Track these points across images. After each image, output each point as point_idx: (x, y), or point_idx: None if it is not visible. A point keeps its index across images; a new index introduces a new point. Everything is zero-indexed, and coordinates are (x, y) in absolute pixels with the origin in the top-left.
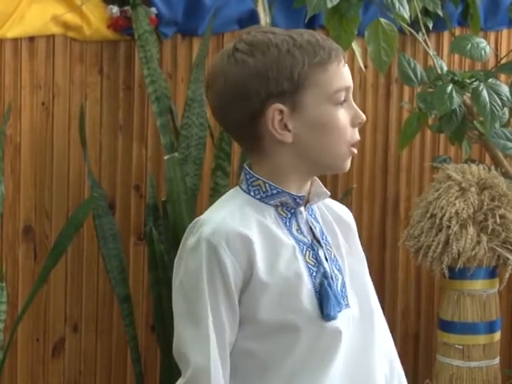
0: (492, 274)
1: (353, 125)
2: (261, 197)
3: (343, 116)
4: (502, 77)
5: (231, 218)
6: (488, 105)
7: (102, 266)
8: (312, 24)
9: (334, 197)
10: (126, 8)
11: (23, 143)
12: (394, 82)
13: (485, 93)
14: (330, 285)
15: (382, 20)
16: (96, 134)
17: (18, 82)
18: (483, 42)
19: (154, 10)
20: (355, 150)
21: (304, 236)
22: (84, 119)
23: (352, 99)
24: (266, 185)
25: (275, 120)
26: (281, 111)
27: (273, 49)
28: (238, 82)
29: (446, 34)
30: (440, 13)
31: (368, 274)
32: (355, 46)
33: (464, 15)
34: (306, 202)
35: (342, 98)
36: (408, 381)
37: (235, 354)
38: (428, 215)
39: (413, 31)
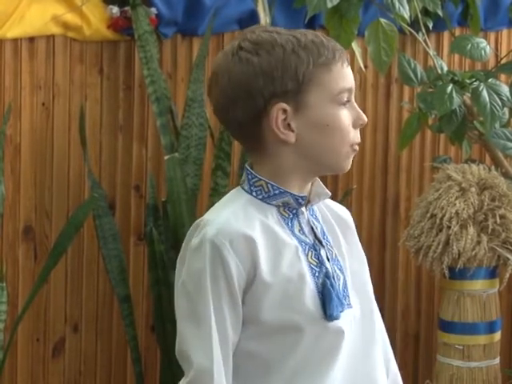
0: (492, 274)
1: (354, 126)
2: (263, 197)
3: (346, 117)
4: (502, 77)
5: (235, 218)
6: (488, 105)
7: (102, 266)
8: (312, 24)
9: (334, 197)
10: (126, 8)
11: (23, 143)
12: (394, 82)
13: (485, 93)
14: (332, 285)
15: (382, 20)
16: (96, 134)
17: (18, 82)
18: (483, 42)
19: (153, 10)
20: (357, 148)
21: (306, 236)
22: (84, 119)
23: (354, 100)
24: (269, 185)
25: (279, 119)
26: (284, 111)
27: (278, 48)
28: (242, 81)
29: (446, 34)
30: (440, 13)
31: (368, 273)
32: (355, 46)
33: (464, 15)
34: (307, 202)
35: (345, 99)
36: (408, 381)
37: (238, 355)
38: (428, 215)
39: (413, 31)
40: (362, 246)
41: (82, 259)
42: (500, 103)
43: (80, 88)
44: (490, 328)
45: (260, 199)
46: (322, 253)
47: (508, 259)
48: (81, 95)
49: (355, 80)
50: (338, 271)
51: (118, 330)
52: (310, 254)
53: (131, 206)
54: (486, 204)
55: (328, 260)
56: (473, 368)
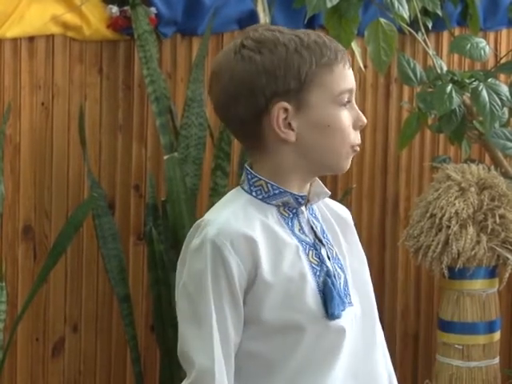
0: (492, 273)
1: (354, 127)
2: (263, 197)
3: (346, 118)
4: (502, 77)
5: (235, 218)
6: (487, 105)
7: (101, 266)
8: (312, 24)
9: (333, 197)
10: (126, 8)
11: (23, 143)
12: (393, 81)
13: (484, 93)
14: (333, 284)
15: (382, 20)
16: (95, 134)
17: (17, 82)
18: (483, 42)
19: (153, 9)
20: (357, 149)
21: (306, 235)
22: (83, 119)
23: (354, 102)
24: (268, 185)
25: (279, 118)
26: (285, 110)
27: (280, 47)
28: (244, 79)
29: (445, 34)
30: (439, 13)
31: (368, 272)
32: (355, 45)
33: (463, 15)
34: (307, 201)
35: (346, 100)
36: (407, 381)
37: (239, 355)
38: (428, 215)
39: (412, 31)
40: (362, 245)
41: (82, 259)
42: (499, 103)
43: (79, 88)
44: (490, 328)
45: (260, 199)
46: (323, 252)
47: (507, 259)
48: (80, 95)
49: (355, 80)
50: (338, 270)
51: (118, 330)
52: (310, 253)
53: (131, 206)
54: (485, 204)
55: (329, 259)
56: (472, 368)
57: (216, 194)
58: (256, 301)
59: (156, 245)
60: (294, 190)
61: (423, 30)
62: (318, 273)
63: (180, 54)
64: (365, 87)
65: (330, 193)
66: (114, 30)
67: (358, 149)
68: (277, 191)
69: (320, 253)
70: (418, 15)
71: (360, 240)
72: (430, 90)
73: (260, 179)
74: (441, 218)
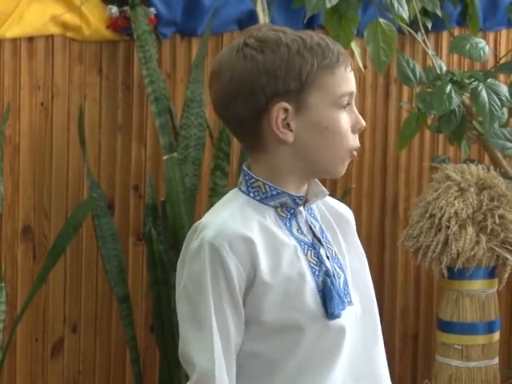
0: (491, 274)
1: (353, 130)
2: (260, 198)
3: (345, 121)
4: (501, 77)
5: (232, 220)
6: (487, 105)
7: (101, 266)
8: (311, 24)
9: (333, 197)
10: (125, 8)
11: (22, 143)
12: (393, 82)
13: (484, 93)
14: (332, 283)
15: (381, 20)
16: (95, 134)
17: (17, 82)
18: (482, 42)
19: (153, 10)
20: (355, 154)
21: (304, 235)
22: (83, 119)
23: (354, 105)
24: (266, 186)
25: (279, 118)
26: (285, 110)
27: (283, 47)
28: (245, 78)
29: (444, 34)
30: (439, 13)
31: (368, 270)
32: (354, 46)
33: (463, 15)
34: (305, 201)
35: (346, 102)
36: (407, 381)
37: (240, 355)
38: (427, 215)
39: (412, 31)
40: (361, 245)
41: (81, 259)
42: (499, 103)
43: (79, 88)
44: (489, 328)
45: (257, 200)
46: (322, 251)
47: (507, 259)
48: (80, 95)
49: (354, 80)
50: (338, 269)
51: (117, 330)
52: (309, 253)
53: (130, 206)
54: (484, 204)
55: (328, 258)
56: (472, 368)
57: (215, 194)
58: (255, 302)
59: (155, 245)
60: (291, 191)
61: (423, 31)
62: (317, 272)
63: (179, 54)
64: (364, 87)
65: (328, 192)
66: (114, 30)
67: (355, 153)
68: (274, 192)
69: (319, 252)
70: (418, 15)
71: (359, 240)
72: (430, 90)
73: (257, 180)
74: (440, 218)
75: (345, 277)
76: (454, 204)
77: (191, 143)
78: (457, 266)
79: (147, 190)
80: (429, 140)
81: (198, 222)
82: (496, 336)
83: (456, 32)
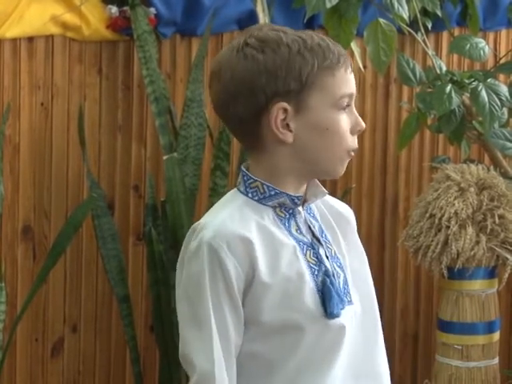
0: (491, 274)
1: (352, 132)
2: (259, 198)
3: (345, 122)
4: (501, 77)
5: (231, 220)
6: (487, 105)
7: (101, 266)
8: (311, 24)
9: (332, 196)
10: (125, 8)
11: (22, 143)
12: (392, 82)
13: (484, 93)
14: (332, 283)
15: (381, 20)
16: (95, 134)
17: (16, 82)
18: (482, 42)
19: (152, 10)
20: (352, 154)
21: (303, 235)
22: (83, 119)
23: (353, 106)
24: (264, 186)
25: (278, 118)
26: (285, 110)
27: (283, 48)
28: (245, 78)
29: (444, 34)
30: (439, 13)
31: (369, 270)
32: (354, 46)
33: (463, 15)
34: (304, 201)
35: (345, 104)
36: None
37: (240, 356)
38: (427, 215)
39: (412, 31)
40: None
41: (81, 259)
42: (499, 103)
43: (79, 88)
44: (489, 328)
45: (256, 200)
46: (321, 251)
47: (507, 259)
48: (80, 95)
49: (354, 80)
50: (337, 269)
51: (117, 330)
52: (308, 253)
53: (130, 206)
54: (484, 204)
55: (327, 258)
56: (471, 368)
57: (215, 194)
58: (255, 302)
59: (155, 245)
60: (289, 191)
61: (423, 31)
62: (316, 272)
63: (179, 54)
64: (364, 87)
65: (327, 192)
66: (114, 30)
67: (353, 154)
68: (272, 192)
69: (318, 252)
70: (418, 15)
71: (359, 239)
72: (430, 90)
73: (256, 180)
74: (440, 218)
75: (345, 276)
76: (453, 204)
77: (191, 143)
78: (457, 266)
79: (147, 190)
80: (429, 140)
81: (197, 222)
82: (496, 336)
83: (456, 32)
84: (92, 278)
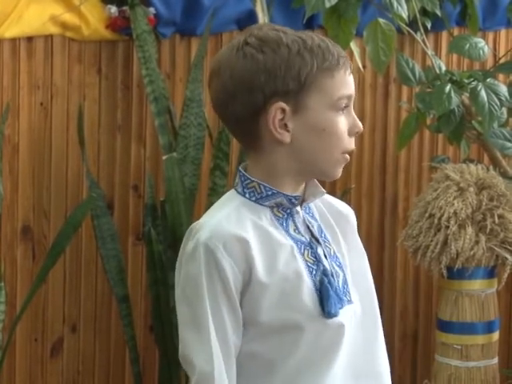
0: (490, 273)
1: (350, 134)
2: (256, 198)
3: (343, 123)
4: (501, 77)
5: (227, 221)
6: (486, 105)
7: (100, 266)
8: (310, 24)
9: (332, 196)
10: (125, 8)
11: (21, 143)
12: (392, 81)
13: (483, 93)
14: (330, 282)
15: (381, 20)
16: (94, 134)
17: (16, 82)
18: (481, 42)
19: (152, 9)
20: (348, 157)
21: (302, 235)
22: (82, 119)
23: (352, 108)
24: (261, 186)
25: (276, 118)
26: (283, 110)
27: (283, 48)
28: (244, 77)
29: (444, 34)
30: (438, 13)
31: (369, 269)
32: (353, 45)
33: (462, 15)
34: (303, 201)
35: (344, 105)
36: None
37: (240, 356)
38: (426, 215)
39: (411, 31)
40: None
41: (81, 259)
42: (498, 103)
43: (78, 88)
44: (489, 328)
45: (253, 201)
46: (319, 251)
47: (506, 259)
48: (79, 95)
49: (354, 80)
50: (336, 268)
51: (117, 330)
52: (306, 252)
53: (129, 206)
54: (484, 204)
55: (326, 257)
56: (471, 368)
57: (215, 194)
58: (253, 302)
59: (155, 245)
60: (287, 191)
61: (422, 30)
62: (314, 272)
63: (179, 54)
64: (363, 87)
65: (325, 192)
66: (113, 30)
67: (348, 157)
68: (269, 192)
69: (316, 252)
70: (417, 15)
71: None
72: (429, 90)
73: (253, 181)
74: (439, 218)
75: (344, 276)
76: (453, 204)
77: (190, 143)
78: (456, 266)
79: (146, 189)
80: (428, 140)
81: (195, 223)
82: (495, 336)
83: (455, 32)
84: (91, 278)
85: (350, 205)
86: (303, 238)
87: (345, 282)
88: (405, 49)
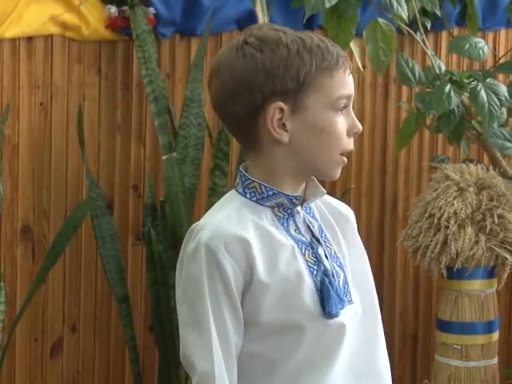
0: (490, 273)
1: (349, 134)
2: (257, 199)
3: (341, 123)
4: (500, 76)
5: (228, 221)
6: (486, 104)
7: (100, 266)
8: (310, 24)
9: (332, 196)
10: (124, 8)
11: (21, 143)
12: (392, 81)
13: (483, 93)
14: (331, 282)
15: (380, 20)
16: (94, 134)
17: (16, 82)
18: (481, 42)
19: (152, 9)
20: (346, 160)
21: (302, 235)
22: (82, 119)
23: (351, 108)
24: (262, 186)
25: (274, 118)
26: (281, 110)
27: (282, 48)
28: (243, 76)
29: (444, 34)
30: (438, 13)
31: (369, 269)
32: (353, 45)
33: (462, 15)
34: (303, 201)
35: (343, 105)
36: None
37: (241, 356)
38: (426, 215)
39: (411, 31)
40: None
41: (80, 259)
42: (498, 103)
43: (78, 88)
44: (488, 328)
45: (254, 201)
46: (320, 251)
47: (506, 259)
48: (79, 95)
49: (353, 80)
50: (337, 268)
51: (116, 330)
52: (306, 252)
53: (129, 206)
54: (483, 204)
55: (326, 258)
56: (471, 368)
57: (214, 194)
58: (253, 302)
59: (154, 245)
60: (288, 191)
61: (422, 30)
62: (314, 272)
63: (179, 54)
64: (363, 87)
65: (325, 192)
66: (113, 30)
67: (345, 160)
68: (270, 192)
69: (317, 252)
70: (417, 15)
71: None
72: (429, 90)
73: (253, 181)
74: (439, 218)
75: (345, 276)
76: (453, 204)
77: (190, 143)
78: (456, 266)
79: (146, 189)
80: (428, 140)
81: (195, 223)
82: (495, 336)
83: (455, 32)
84: (91, 278)
85: (349, 205)
86: (304, 238)
87: (345, 282)
88: (405, 49)
